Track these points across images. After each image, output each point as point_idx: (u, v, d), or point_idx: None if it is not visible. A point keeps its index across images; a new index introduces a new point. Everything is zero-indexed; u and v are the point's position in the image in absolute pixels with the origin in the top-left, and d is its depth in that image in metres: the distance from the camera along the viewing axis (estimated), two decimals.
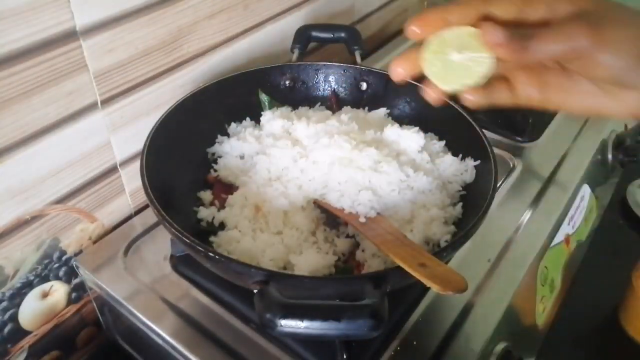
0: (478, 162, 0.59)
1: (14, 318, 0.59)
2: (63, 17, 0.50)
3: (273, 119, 0.66)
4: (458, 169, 0.60)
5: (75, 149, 0.57)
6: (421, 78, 0.36)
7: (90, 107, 0.57)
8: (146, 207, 0.69)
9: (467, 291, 0.39)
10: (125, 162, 0.64)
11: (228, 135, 0.67)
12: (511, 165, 0.74)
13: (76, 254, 0.62)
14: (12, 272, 0.57)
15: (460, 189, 0.60)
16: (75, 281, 0.63)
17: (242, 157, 0.63)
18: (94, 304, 0.65)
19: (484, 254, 0.61)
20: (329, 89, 0.73)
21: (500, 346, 0.55)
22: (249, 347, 0.51)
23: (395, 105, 0.71)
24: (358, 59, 0.73)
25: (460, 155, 0.62)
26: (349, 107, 0.72)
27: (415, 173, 0.57)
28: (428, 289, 0.56)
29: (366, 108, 0.71)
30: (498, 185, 0.64)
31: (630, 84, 0.31)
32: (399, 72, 0.36)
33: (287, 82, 0.72)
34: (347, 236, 0.56)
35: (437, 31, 0.33)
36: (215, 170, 0.63)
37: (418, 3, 1.17)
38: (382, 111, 0.70)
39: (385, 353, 0.50)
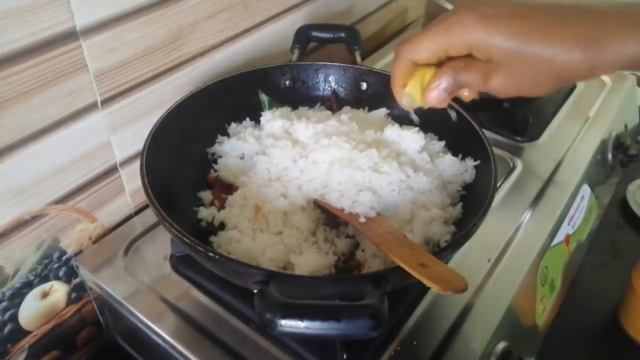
0: (478, 162, 0.59)
1: (14, 318, 0.59)
2: (63, 17, 0.50)
3: (273, 119, 0.66)
4: (458, 169, 0.60)
5: (75, 149, 0.57)
6: None
7: (90, 107, 0.57)
8: (146, 207, 0.69)
9: (467, 291, 0.39)
10: (125, 162, 0.64)
11: (228, 135, 0.67)
12: (511, 165, 0.74)
13: (76, 254, 0.62)
14: (12, 272, 0.57)
15: (460, 189, 0.60)
16: (75, 281, 0.63)
17: (242, 157, 0.64)
18: (94, 304, 0.65)
19: (484, 254, 0.61)
20: (329, 89, 0.73)
21: (500, 346, 0.55)
22: (249, 347, 0.51)
23: (395, 105, 0.69)
24: (358, 59, 0.73)
25: (460, 155, 0.62)
26: (349, 107, 0.72)
27: (415, 173, 0.57)
28: (428, 289, 0.56)
29: (366, 108, 0.71)
30: (498, 185, 0.64)
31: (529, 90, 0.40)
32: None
33: (287, 82, 0.72)
34: (347, 236, 0.56)
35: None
36: (215, 170, 0.63)
37: (418, 3, 1.17)
38: (382, 111, 0.70)
39: (385, 353, 0.50)
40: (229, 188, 0.61)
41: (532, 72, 0.38)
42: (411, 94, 0.45)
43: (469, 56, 0.41)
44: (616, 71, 0.40)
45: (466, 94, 0.45)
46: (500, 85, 0.40)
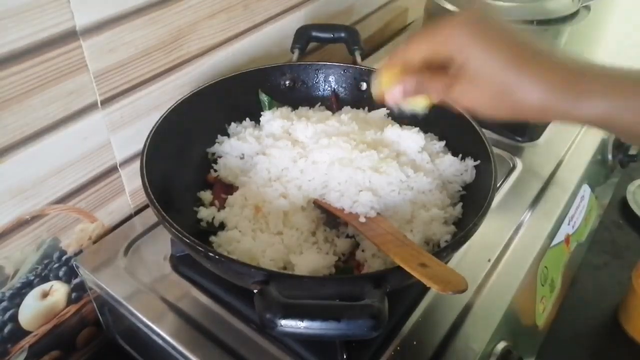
0: (478, 162, 0.59)
1: (14, 318, 0.59)
2: (63, 17, 0.50)
3: (273, 119, 0.66)
4: (458, 169, 0.61)
5: (75, 149, 0.57)
6: None
7: (90, 107, 0.57)
8: (146, 207, 0.69)
9: (467, 291, 0.39)
10: (125, 162, 0.64)
11: (228, 135, 0.67)
12: (511, 165, 0.74)
13: (76, 254, 0.62)
14: (12, 272, 0.57)
15: (460, 189, 0.60)
16: (75, 281, 0.63)
17: (242, 157, 0.64)
18: (94, 304, 0.65)
19: (484, 254, 0.61)
20: (329, 89, 0.73)
21: (500, 346, 0.55)
22: (249, 347, 0.51)
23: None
24: (358, 59, 0.73)
25: (460, 155, 0.62)
26: (349, 107, 0.72)
27: (415, 173, 0.57)
28: (428, 289, 0.56)
29: (366, 108, 0.71)
30: (498, 185, 0.64)
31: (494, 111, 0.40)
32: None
33: (287, 82, 0.72)
34: (347, 236, 0.56)
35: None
36: (215, 170, 0.63)
37: (418, 3, 1.17)
38: (382, 111, 0.70)
39: (385, 353, 0.50)
40: (229, 188, 0.61)
41: (491, 92, 0.39)
42: (380, 80, 0.47)
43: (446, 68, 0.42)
44: (571, 124, 0.40)
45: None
46: (461, 94, 0.41)
